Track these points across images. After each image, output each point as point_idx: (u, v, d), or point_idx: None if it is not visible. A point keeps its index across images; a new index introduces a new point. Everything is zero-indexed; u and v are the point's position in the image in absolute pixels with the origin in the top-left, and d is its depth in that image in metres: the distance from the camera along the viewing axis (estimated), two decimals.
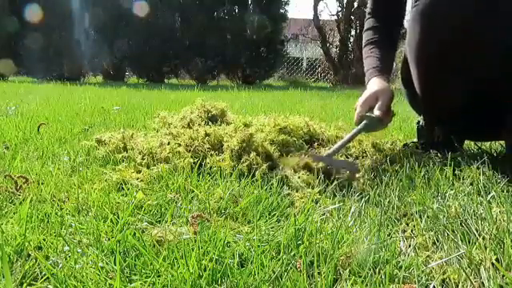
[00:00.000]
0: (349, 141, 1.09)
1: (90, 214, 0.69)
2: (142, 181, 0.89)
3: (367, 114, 1.11)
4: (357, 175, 0.94)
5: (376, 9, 1.34)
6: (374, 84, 1.18)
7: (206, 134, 1.12)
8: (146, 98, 3.63)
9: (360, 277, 0.49)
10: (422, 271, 0.52)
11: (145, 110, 2.42)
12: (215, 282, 0.49)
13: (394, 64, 1.34)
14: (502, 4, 0.98)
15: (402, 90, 1.35)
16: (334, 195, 0.83)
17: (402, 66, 1.25)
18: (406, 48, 1.17)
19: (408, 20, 1.17)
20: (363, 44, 1.34)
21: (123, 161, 1.06)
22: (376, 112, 1.11)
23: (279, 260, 0.52)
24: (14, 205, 0.73)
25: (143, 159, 1.03)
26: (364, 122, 1.11)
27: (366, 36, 1.34)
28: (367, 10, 1.38)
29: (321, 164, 0.96)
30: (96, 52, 9.02)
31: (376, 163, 1.05)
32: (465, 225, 0.63)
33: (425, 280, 0.50)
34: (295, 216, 0.66)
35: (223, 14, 9.71)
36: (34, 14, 8.26)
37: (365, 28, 1.36)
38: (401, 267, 0.53)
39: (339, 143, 1.07)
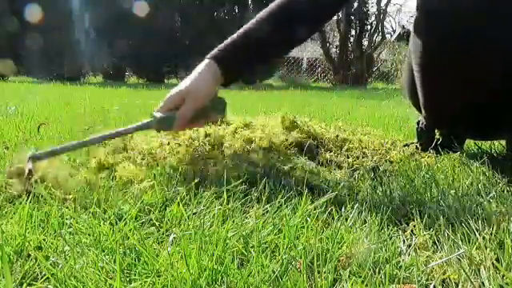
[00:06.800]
0: (109, 137, 0.94)
1: (89, 213, 0.69)
2: (142, 180, 0.89)
3: (156, 113, 0.93)
4: None
5: None
6: (196, 74, 0.97)
7: (206, 134, 1.12)
8: (145, 97, 3.63)
9: (360, 277, 0.49)
10: (422, 271, 0.52)
11: (145, 109, 2.42)
12: (215, 282, 0.49)
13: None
14: (503, 5, 0.99)
15: (402, 89, 1.35)
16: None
17: (405, 63, 1.24)
18: (409, 49, 1.17)
19: (412, 20, 1.17)
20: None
21: (123, 161, 1.06)
22: (169, 114, 0.92)
23: (279, 260, 0.52)
24: (13, 205, 0.73)
25: (143, 159, 1.03)
26: (148, 120, 0.94)
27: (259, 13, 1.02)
28: None
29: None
30: (96, 52, 9.03)
31: (376, 163, 1.04)
32: (465, 225, 0.63)
33: (425, 280, 0.50)
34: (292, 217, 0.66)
35: (223, 14, 9.73)
36: (34, 14, 8.26)
37: None
38: (401, 267, 0.53)
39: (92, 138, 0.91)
